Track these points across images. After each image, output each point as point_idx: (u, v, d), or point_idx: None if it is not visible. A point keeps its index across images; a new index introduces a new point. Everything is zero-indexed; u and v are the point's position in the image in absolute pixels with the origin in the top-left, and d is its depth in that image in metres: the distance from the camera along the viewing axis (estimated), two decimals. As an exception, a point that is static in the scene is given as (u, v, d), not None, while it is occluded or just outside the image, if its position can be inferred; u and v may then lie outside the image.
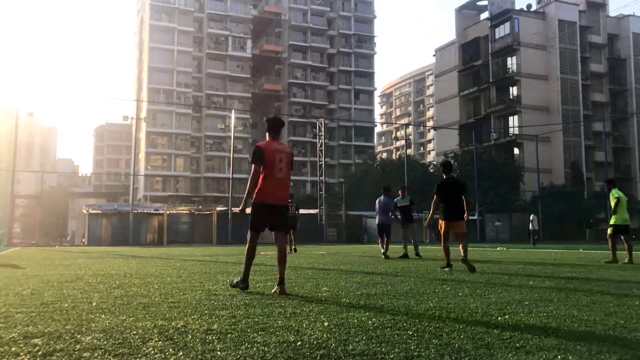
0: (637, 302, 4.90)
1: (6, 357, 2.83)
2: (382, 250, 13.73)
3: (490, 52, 61.09)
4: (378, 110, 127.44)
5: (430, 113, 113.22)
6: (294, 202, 16.56)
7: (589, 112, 60.02)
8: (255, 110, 79.17)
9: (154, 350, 2.96)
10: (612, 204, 11.86)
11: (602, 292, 5.72)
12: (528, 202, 51.97)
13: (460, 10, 68.28)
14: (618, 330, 3.58)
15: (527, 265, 10.61)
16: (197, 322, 3.85)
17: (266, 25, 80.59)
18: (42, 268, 10.04)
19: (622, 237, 11.86)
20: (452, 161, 55.68)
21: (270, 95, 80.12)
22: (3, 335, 3.38)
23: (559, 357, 2.83)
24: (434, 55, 73.63)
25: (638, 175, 61.19)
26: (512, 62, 59.61)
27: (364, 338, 3.29)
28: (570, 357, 2.81)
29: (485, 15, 65.38)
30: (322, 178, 43.70)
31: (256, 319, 3.96)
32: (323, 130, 44.23)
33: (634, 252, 11.68)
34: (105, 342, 3.18)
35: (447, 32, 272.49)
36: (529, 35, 58.63)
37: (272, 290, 5.64)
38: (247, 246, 6.03)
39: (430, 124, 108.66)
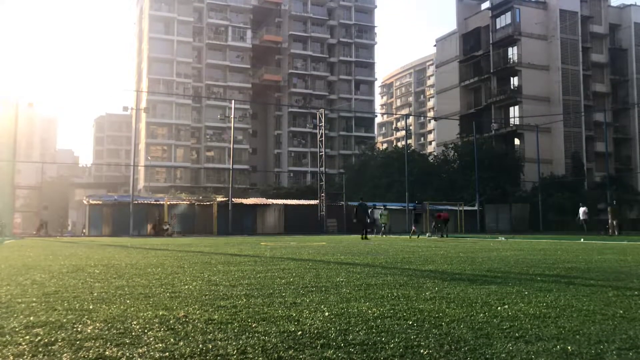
0: (636, 292, 4.92)
1: (8, 346, 2.85)
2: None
3: (491, 42, 60.84)
4: (378, 100, 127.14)
5: (430, 103, 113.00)
6: None
7: (590, 103, 59.86)
8: (256, 101, 79.02)
9: (155, 340, 2.98)
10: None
11: (602, 283, 5.74)
12: (528, 192, 51.98)
13: (461, 0, 67.91)
14: (617, 319, 3.60)
15: (527, 255, 10.64)
16: (198, 312, 3.87)
17: (266, 15, 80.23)
18: (44, 259, 10.07)
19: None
20: (453, 151, 55.63)
21: (271, 85, 79.94)
22: (5, 325, 3.40)
23: (558, 346, 2.84)
24: (435, 46, 73.32)
25: (638, 165, 61.13)
26: (513, 52, 59.36)
27: (364, 328, 3.30)
28: (569, 347, 2.83)
29: (486, 5, 64.99)
30: (323, 169, 43.69)
31: (257, 309, 3.98)
32: (323, 120, 44.15)
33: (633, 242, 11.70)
34: (106, 332, 3.19)
35: (448, 22, 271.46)
36: (530, 25, 58.37)
37: None
38: None
39: (430, 114, 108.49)
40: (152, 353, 2.71)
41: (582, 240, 19.93)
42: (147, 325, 3.38)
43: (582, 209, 34.98)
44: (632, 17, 63.13)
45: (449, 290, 5.08)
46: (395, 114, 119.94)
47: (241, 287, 5.30)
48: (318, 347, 2.82)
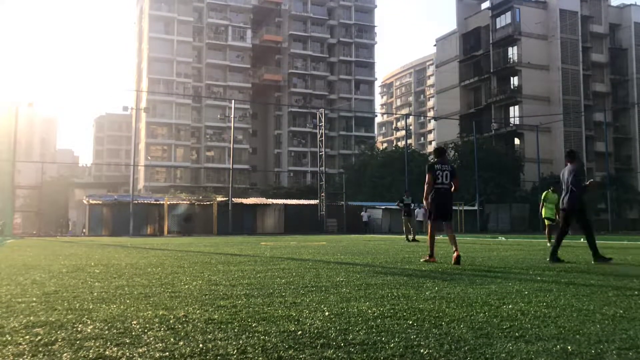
0: (636, 292, 4.92)
1: (8, 346, 2.85)
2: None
3: (491, 42, 60.84)
4: (378, 100, 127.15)
5: (430, 103, 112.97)
6: None
7: (590, 102, 59.87)
8: (256, 101, 79.01)
9: (155, 340, 2.98)
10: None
11: (602, 282, 5.74)
12: (528, 192, 52.00)
13: (461, 0, 67.92)
14: (617, 319, 3.60)
15: (527, 255, 10.64)
16: (198, 312, 3.87)
17: (266, 15, 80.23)
18: (43, 258, 10.07)
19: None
20: (453, 151, 55.75)
21: (271, 85, 79.93)
22: (4, 325, 3.40)
23: (558, 346, 2.84)
24: (435, 45, 73.33)
25: (638, 165, 61.15)
26: (513, 52, 59.37)
27: (364, 327, 3.30)
28: (569, 347, 2.83)
29: (486, 4, 65.05)
30: (323, 168, 43.70)
31: (257, 309, 3.98)
32: (323, 120, 44.17)
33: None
34: (106, 332, 3.19)
35: (448, 21, 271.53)
36: (530, 25, 58.36)
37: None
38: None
39: (430, 114, 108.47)
40: (152, 353, 2.71)
41: (582, 240, 19.89)
42: (147, 325, 3.38)
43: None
44: (632, 16, 63.14)
45: (449, 290, 5.08)
46: (395, 114, 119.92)
47: (241, 287, 5.30)
48: (318, 347, 2.82)
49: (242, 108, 72.26)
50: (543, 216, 15.83)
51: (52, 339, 3.01)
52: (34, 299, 4.53)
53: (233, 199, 39.46)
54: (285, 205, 42.88)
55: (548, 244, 14.02)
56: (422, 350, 2.75)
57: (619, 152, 62.31)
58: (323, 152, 43.67)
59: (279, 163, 78.91)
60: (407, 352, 2.73)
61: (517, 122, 58.06)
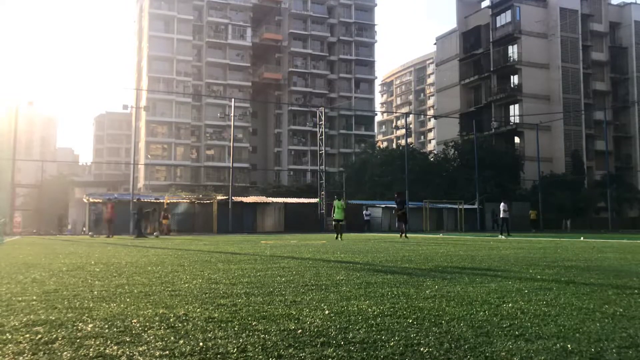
0: (635, 291, 4.92)
1: (8, 345, 2.85)
2: None
3: (491, 40, 60.81)
4: (378, 99, 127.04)
5: (430, 102, 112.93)
6: None
7: (590, 101, 59.87)
8: (256, 99, 78.95)
9: (155, 338, 2.98)
10: None
11: (601, 281, 5.74)
12: (528, 190, 52.00)
13: (461, -2, 67.90)
14: (617, 318, 3.60)
15: (527, 253, 10.64)
16: (198, 310, 3.87)
17: (266, 14, 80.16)
18: (44, 257, 10.07)
19: None
20: (453, 150, 55.78)
21: (271, 84, 79.88)
22: (5, 324, 3.40)
23: (558, 345, 2.84)
24: (435, 44, 73.31)
25: (638, 164, 61.16)
26: (513, 51, 59.37)
27: (364, 326, 3.31)
28: (569, 345, 2.83)
29: (486, 3, 65.06)
30: (323, 167, 43.68)
31: (257, 307, 3.98)
32: (323, 119, 44.15)
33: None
34: (106, 330, 3.19)
35: (448, 20, 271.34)
36: (530, 24, 58.35)
37: None
38: None
39: (430, 112, 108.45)
40: (152, 351, 2.71)
41: (582, 238, 19.91)
42: (148, 324, 3.38)
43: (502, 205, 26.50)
44: (632, 15, 63.13)
45: (449, 288, 5.08)
46: (395, 113, 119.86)
47: (241, 286, 5.30)
48: (318, 346, 2.82)
49: (242, 107, 72.24)
50: None
51: (53, 337, 3.01)
52: (34, 297, 4.54)
53: (233, 198, 39.45)
54: (285, 203, 42.89)
55: None
56: (422, 349, 2.75)
57: (619, 150, 62.32)
58: (323, 151, 43.66)
59: (279, 162, 78.89)
60: (407, 350, 2.74)
61: (517, 120, 58.06)
